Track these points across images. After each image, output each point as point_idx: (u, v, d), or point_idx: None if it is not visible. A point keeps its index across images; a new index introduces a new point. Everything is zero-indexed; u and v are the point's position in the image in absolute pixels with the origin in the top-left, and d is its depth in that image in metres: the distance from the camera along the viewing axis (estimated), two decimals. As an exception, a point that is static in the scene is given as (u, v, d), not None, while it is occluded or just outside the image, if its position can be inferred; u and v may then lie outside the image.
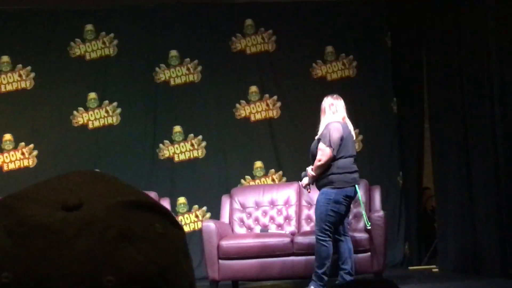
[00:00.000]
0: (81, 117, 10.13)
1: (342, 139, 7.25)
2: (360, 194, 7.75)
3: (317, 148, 7.28)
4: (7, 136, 9.91)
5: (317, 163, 7.24)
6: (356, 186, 7.38)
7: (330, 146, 7.18)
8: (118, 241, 0.73)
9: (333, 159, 7.22)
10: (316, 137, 7.43)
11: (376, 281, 2.19)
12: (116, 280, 0.71)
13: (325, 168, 7.23)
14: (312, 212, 8.56)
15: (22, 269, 0.71)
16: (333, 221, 7.25)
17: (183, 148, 10.15)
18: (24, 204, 0.75)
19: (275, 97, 10.29)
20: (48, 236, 0.72)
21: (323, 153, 7.20)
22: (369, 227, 7.83)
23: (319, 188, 7.35)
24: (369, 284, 2.03)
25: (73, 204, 0.75)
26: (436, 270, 9.19)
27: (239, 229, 8.70)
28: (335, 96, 7.52)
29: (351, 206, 7.58)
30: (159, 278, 0.73)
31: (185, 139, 10.16)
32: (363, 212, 7.92)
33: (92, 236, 0.72)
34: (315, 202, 7.95)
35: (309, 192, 7.61)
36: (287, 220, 8.73)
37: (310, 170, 7.35)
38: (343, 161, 7.26)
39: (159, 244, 0.75)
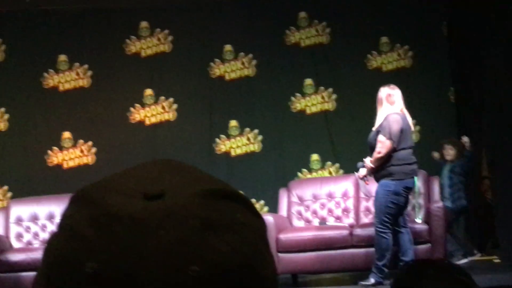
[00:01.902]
0: (138, 114, 10.23)
1: (401, 131, 7.19)
2: (419, 185, 7.68)
3: (375, 139, 7.22)
4: (66, 134, 10.05)
5: (376, 155, 7.18)
6: (415, 177, 7.33)
7: (390, 138, 7.12)
8: (201, 230, 0.72)
9: (392, 151, 7.17)
10: (374, 129, 7.36)
11: (432, 261, 2.18)
12: (201, 270, 0.71)
13: (384, 160, 7.18)
14: (370, 204, 8.51)
15: (106, 259, 0.71)
16: (393, 212, 7.20)
17: (239, 143, 10.17)
18: (105, 193, 0.75)
19: (330, 90, 10.25)
20: (131, 225, 0.72)
21: (383, 145, 7.15)
22: (418, 221, 7.80)
23: (377, 179, 7.30)
24: (432, 264, 2.03)
25: (155, 193, 0.74)
26: (498, 260, 9.07)
27: (297, 222, 8.69)
28: (391, 86, 7.46)
29: (410, 197, 7.53)
30: (243, 268, 0.73)
31: (241, 133, 10.19)
32: (420, 205, 7.87)
33: (175, 225, 0.72)
34: (373, 194, 7.91)
35: (367, 184, 7.56)
36: (345, 213, 8.69)
37: (368, 162, 7.30)
38: (402, 153, 7.20)
39: (242, 234, 0.74)
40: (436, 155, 9.49)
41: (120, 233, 0.72)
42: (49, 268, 0.73)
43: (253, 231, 0.76)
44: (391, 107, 7.29)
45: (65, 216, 0.76)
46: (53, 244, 0.75)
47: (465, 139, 9.13)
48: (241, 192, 0.79)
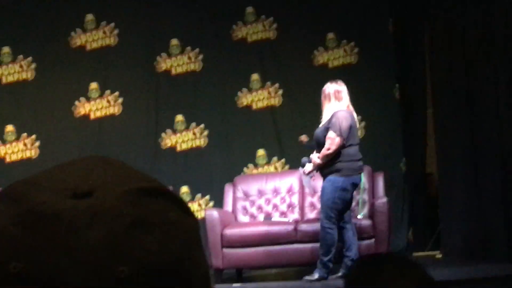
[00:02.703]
0: (82, 108, 10.12)
1: (350, 127, 7.24)
2: (364, 181, 7.75)
3: (324, 136, 7.25)
4: (9, 127, 9.90)
5: (325, 151, 7.21)
6: (362, 174, 7.41)
7: (340, 135, 7.17)
8: (130, 229, 0.71)
9: (341, 148, 7.22)
10: (321, 124, 7.40)
11: (387, 255, 2.16)
12: (129, 270, 0.69)
13: (332, 156, 7.23)
14: (315, 200, 8.56)
15: (31, 259, 0.69)
16: (339, 208, 7.25)
17: (185, 137, 10.13)
18: (33, 191, 0.73)
19: (276, 85, 10.26)
20: (58, 224, 0.70)
21: (333, 142, 7.19)
22: (360, 217, 7.90)
23: (324, 175, 7.34)
24: (389, 259, 2.01)
25: (83, 191, 0.72)
26: (440, 256, 9.19)
27: (242, 218, 8.70)
28: (339, 82, 7.50)
29: (354, 193, 7.59)
30: (173, 268, 0.72)
31: (187, 128, 10.15)
32: (364, 201, 7.96)
33: (104, 224, 0.70)
34: (318, 190, 7.96)
35: (314, 180, 7.60)
36: (290, 208, 8.72)
37: (315, 158, 7.33)
38: (350, 150, 7.26)
39: (173, 233, 0.73)
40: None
41: (47, 232, 0.69)
42: None
43: (184, 230, 0.75)
44: (339, 103, 7.34)
45: None
46: None
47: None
48: (173, 192, 0.78)
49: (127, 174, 0.76)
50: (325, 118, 7.39)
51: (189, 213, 0.78)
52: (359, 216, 7.98)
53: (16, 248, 0.70)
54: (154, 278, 0.70)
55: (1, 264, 0.69)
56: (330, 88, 7.43)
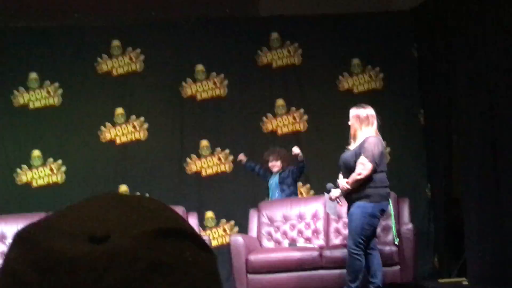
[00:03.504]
0: (108, 133, 10.17)
1: (381, 154, 7.21)
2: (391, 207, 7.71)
3: (354, 160, 7.19)
4: (36, 152, 9.97)
5: (356, 176, 7.16)
6: (390, 200, 7.37)
7: (372, 161, 7.12)
8: (147, 273, 0.71)
9: (372, 174, 7.17)
10: (351, 148, 7.33)
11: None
12: None
13: (361, 182, 7.17)
14: (340, 226, 8.52)
15: None
16: (368, 234, 7.20)
17: (210, 162, 10.15)
18: (49, 235, 0.73)
19: (301, 110, 10.27)
20: (76, 271, 0.70)
21: (365, 167, 7.13)
22: (397, 243, 7.81)
23: (351, 201, 7.28)
24: None
25: (100, 235, 0.72)
26: (466, 283, 9.10)
27: (267, 243, 8.68)
28: (368, 107, 7.44)
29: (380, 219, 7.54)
30: None
31: (212, 153, 10.17)
32: (393, 227, 7.89)
33: (121, 269, 0.70)
34: (343, 216, 7.93)
35: (341, 205, 7.54)
36: (315, 234, 8.69)
37: (344, 183, 7.27)
38: (379, 176, 7.22)
39: (189, 274, 0.73)
40: (241, 156, 9.48)
41: (64, 278, 0.70)
42: None
43: (201, 269, 0.75)
44: (370, 128, 7.29)
45: (8, 259, 0.74)
46: None
47: (296, 150, 8.87)
48: (190, 227, 0.78)
49: (144, 213, 0.76)
50: (356, 142, 7.31)
51: (206, 249, 0.77)
52: (395, 242, 7.89)
53: None
54: None
55: None
56: (362, 112, 7.34)
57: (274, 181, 9.19)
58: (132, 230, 0.73)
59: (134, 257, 0.71)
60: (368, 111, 7.37)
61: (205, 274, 0.75)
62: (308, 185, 10.16)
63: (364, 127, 7.29)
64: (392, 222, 7.93)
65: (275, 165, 9.16)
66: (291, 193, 9.16)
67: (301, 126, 10.28)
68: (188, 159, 10.11)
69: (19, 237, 0.75)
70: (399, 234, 7.91)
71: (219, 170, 10.15)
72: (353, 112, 7.40)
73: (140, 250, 0.72)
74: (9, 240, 8.59)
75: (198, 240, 0.77)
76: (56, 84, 10.18)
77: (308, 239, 8.66)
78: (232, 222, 9.97)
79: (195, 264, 0.75)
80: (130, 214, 0.76)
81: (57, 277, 0.70)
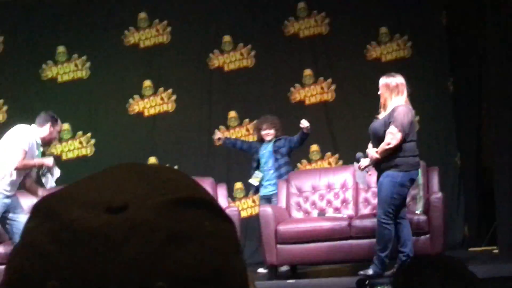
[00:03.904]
0: (136, 105, 10.22)
1: (411, 123, 7.17)
2: (419, 176, 7.67)
3: (383, 130, 7.14)
4: (65, 126, 10.02)
5: (385, 146, 7.11)
6: (419, 169, 7.33)
7: (402, 130, 7.07)
8: (167, 244, 0.70)
9: (401, 143, 7.13)
10: (380, 117, 7.28)
11: (440, 259, 2.14)
12: (168, 285, 0.69)
13: (391, 151, 7.14)
14: (369, 195, 8.51)
15: (68, 277, 0.69)
16: (397, 204, 7.17)
17: (238, 134, 10.16)
18: (67, 206, 0.73)
19: (329, 80, 10.23)
20: (94, 241, 0.70)
21: (394, 137, 7.08)
22: (418, 212, 7.80)
23: (381, 171, 7.24)
24: (435, 261, 2.00)
25: (118, 206, 0.72)
26: (497, 251, 9.06)
27: (296, 214, 8.69)
28: (398, 75, 7.37)
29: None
30: (211, 279, 0.72)
31: (240, 124, 10.18)
32: (421, 196, 7.86)
33: (140, 240, 0.70)
34: (372, 185, 7.91)
35: (370, 174, 7.51)
36: (344, 204, 8.68)
37: (373, 152, 7.23)
38: (409, 145, 7.17)
39: (209, 243, 0.73)
40: (219, 135, 9.38)
41: (83, 249, 0.69)
42: (11, 286, 0.72)
43: (221, 239, 0.74)
44: (400, 97, 7.24)
45: (27, 230, 0.74)
46: (14, 261, 0.73)
47: (305, 123, 8.51)
48: (208, 196, 0.77)
49: (162, 184, 0.76)
50: (386, 111, 7.26)
51: (226, 218, 0.77)
52: (417, 212, 7.88)
53: (53, 266, 0.70)
54: None
55: (39, 283, 0.70)
56: (393, 81, 7.28)
57: (267, 150, 8.92)
58: (150, 200, 0.73)
59: (152, 228, 0.71)
60: (398, 80, 7.31)
61: (225, 243, 0.75)
62: (337, 155, 10.14)
63: (394, 96, 7.23)
64: (419, 192, 7.90)
65: (269, 133, 8.88)
66: (286, 163, 8.90)
67: (329, 96, 10.24)
68: (216, 131, 10.12)
69: (37, 208, 0.75)
70: (428, 203, 7.87)
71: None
72: (383, 81, 7.34)
73: (159, 220, 0.71)
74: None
75: (217, 209, 0.77)
76: (84, 57, 10.23)
77: (337, 209, 8.65)
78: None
79: (214, 233, 0.74)
80: (148, 184, 0.75)
81: (75, 247, 0.70)
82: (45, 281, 0.69)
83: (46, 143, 7.65)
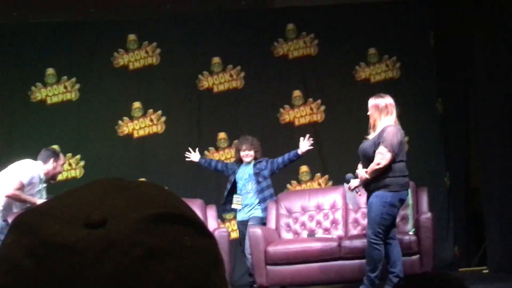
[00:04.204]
0: (126, 127, 10.20)
1: (400, 143, 7.18)
2: (410, 197, 7.68)
3: (373, 150, 7.16)
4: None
5: (375, 166, 7.12)
6: (409, 189, 7.34)
7: (391, 150, 7.08)
8: (145, 259, 0.69)
9: (391, 163, 7.14)
10: (370, 137, 7.30)
11: (436, 276, 2.12)
12: None
13: (380, 171, 7.14)
14: (359, 216, 8.50)
15: None
16: (387, 224, 7.17)
17: (228, 155, 10.15)
18: (45, 221, 0.72)
19: (319, 101, 10.25)
20: (72, 256, 0.69)
21: (384, 157, 7.09)
22: (411, 233, 7.79)
23: (371, 191, 7.25)
24: (431, 279, 1.98)
25: (97, 221, 0.71)
26: (487, 271, 9.06)
27: (286, 235, 8.67)
28: (387, 96, 7.40)
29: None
30: None
31: (229, 146, 10.17)
32: (410, 217, 7.87)
33: (117, 255, 0.69)
34: (362, 206, 7.91)
35: (360, 195, 7.52)
36: (334, 224, 8.67)
37: (363, 173, 7.24)
38: (398, 165, 7.18)
39: (188, 259, 0.72)
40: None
41: (60, 265, 0.68)
42: None
43: (201, 255, 0.73)
44: (390, 117, 7.26)
45: (4, 245, 0.73)
46: None
47: (305, 146, 8.37)
48: (189, 212, 0.77)
49: (141, 198, 0.75)
50: (375, 131, 7.27)
51: (206, 234, 0.76)
52: (410, 232, 7.88)
53: (28, 281, 0.69)
54: None
55: None
56: (383, 101, 7.31)
57: (246, 172, 8.60)
58: (130, 215, 0.72)
59: (131, 243, 0.70)
60: (387, 100, 7.33)
61: (205, 259, 0.74)
62: (326, 176, 10.14)
63: (384, 117, 7.25)
64: (409, 212, 7.90)
65: (248, 154, 8.57)
66: (268, 186, 8.58)
67: (318, 117, 10.25)
68: (206, 152, 10.11)
69: (15, 223, 0.74)
70: (418, 223, 7.87)
71: (237, 162, 10.14)
72: (372, 101, 7.36)
73: (138, 236, 0.70)
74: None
75: (197, 225, 0.76)
76: (73, 79, 10.22)
77: (327, 230, 8.64)
78: (251, 214, 9.95)
79: (194, 249, 0.73)
80: (128, 199, 0.74)
81: (52, 262, 0.69)
82: None
83: (51, 178, 8.05)
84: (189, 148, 8.99)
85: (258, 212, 8.51)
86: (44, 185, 7.83)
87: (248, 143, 8.62)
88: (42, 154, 7.94)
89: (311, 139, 8.48)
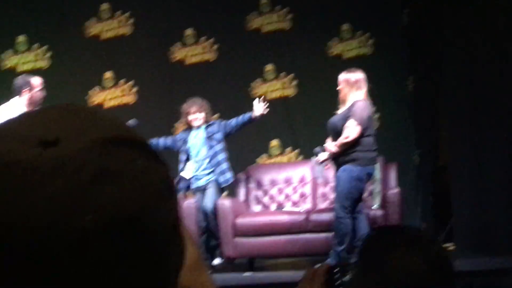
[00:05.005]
0: (97, 97, 10.15)
1: (369, 117, 7.22)
2: (377, 171, 7.73)
3: (342, 124, 7.20)
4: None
5: (343, 140, 7.17)
6: (377, 164, 7.40)
7: (360, 124, 7.13)
8: (96, 179, 0.70)
9: (359, 137, 7.18)
10: (339, 112, 7.34)
11: (403, 229, 2.11)
12: (95, 219, 0.69)
13: (349, 145, 7.19)
14: (327, 190, 8.55)
15: None
16: (355, 198, 7.23)
17: (198, 127, 10.12)
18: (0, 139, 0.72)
19: (291, 76, 10.25)
20: (23, 173, 0.69)
21: (352, 130, 7.14)
22: (374, 208, 7.86)
23: (339, 165, 7.30)
24: (401, 234, 1.98)
25: (49, 140, 0.72)
26: (453, 248, 9.15)
27: (255, 207, 8.70)
28: (358, 71, 7.45)
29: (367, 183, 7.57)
30: (140, 216, 0.71)
31: (200, 118, 10.13)
32: (378, 191, 7.92)
33: (69, 174, 0.70)
34: (330, 180, 7.95)
35: (327, 168, 7.56)
36: (302, 198, 8.71)
37: (332, 146, 7.28)
38: (367, 139, 7.23)
39: (140, 181, 0.72)
40: None
41: (11, 181, 0.69)
42: None
43: (153, 178, 0.74)
44: (360, 92, 7.31)
45: None
46: None
47: (259, 109, 8.13)
48: (143, 138, 0.77)
49: (96, 122, 0.76)
50: (345, 106, 7.32)
51: (159, 161, 0.77)
52: (373, 207, 7.95)
53: None
54: (121, 226, 0.70)
55: None
56: (352, 76, 7.37)
57: (198, 137, 8.29)
58: (83, 136, 0.73)
59: (82, 163, 0.70)
60: (358, 75, 7.39)
61: (157, 183, 0.75)
62: (297, 150, 10.16)
63: (354, 91, 7.31)
64: (376, 186, 7.96)
65: (198, 118, 8.29)
66: (221, 150, 8.30)
67: (290, 92, 10.26)
68: (176, 124, 10.09)
69: None
70: (385, 198, 7.93)
71: (207, 135, 10.13)
72: (343, 76, 7.42)
73: (89, 156, 0.71)
74: None
75: (150, 150, 0.77)
76: (45, 47, 10.13)
77: (295, 203, 8.68)
78: (221, 186, 9.96)
79: (146, 171, 0.74)
80: (83, 121, 0.75)
81: (4, 179, 0.69)
82: None
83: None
84: None
85: (214, 178, 8.21)
86: None
87: (197, 105, 8.30)
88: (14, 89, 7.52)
89: (266, 102, 8.27)
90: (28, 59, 10.11)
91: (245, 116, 8.27)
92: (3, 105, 7.44)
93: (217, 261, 8.24)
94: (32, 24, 10.05)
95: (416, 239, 1.91)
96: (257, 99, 8.27)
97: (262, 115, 8.23)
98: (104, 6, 10.20)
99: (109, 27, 10.22)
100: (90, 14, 10.18)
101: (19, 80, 7.65)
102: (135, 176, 0.73)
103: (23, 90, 7.55)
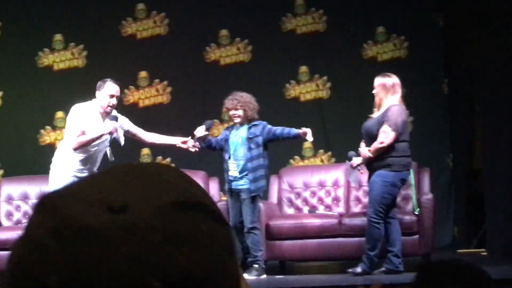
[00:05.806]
0: (132, 96, 10.22)
1: (404, 123, 7.21)
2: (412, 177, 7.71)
3: (377, 129, 7.18)
4: (59, 114, 10.03)
5: (378, 145, 7.15)
6: (411, 170, 7.37)
7: (395, 130, 7.11)
8: (163, 245, 0.73)
9: (394, 142, 7.16)
10: (374, 116, 7.32)
11: (455, 264, 2.11)
12: (163, 285, 0.71)
13: (383, 150, 7.17)
14: (360, 194, 8.54)
15: (68, 273, 0.71)
16: (388, 203, 7.22)
17: (232, 128, 10.15)
18: (69, 203, 0.75)
19: (325, 78, 10.25)
20: (94, 239, 0.72)
21: (387, 136, 7.13)
22: (417, 213, 7.81)
23: (373, 170, 7.28)
24: (451, 269, 1.98)
25: (119, 206, 0.74)
26: (485, 253, 9.10)
27: (287, 210, 8.71)
28: (393, 76, 7.42)
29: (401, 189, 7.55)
30: (204, 280, 0.74)
31: (234, 119, 10.16)
32: (414, 197, 7.88)
33: (137, 240, 0.72)
34: (363, 184, 7.94)
35: (362, 173, 7.54)
36: (335, 201, 8.71)
37: (366, 151, 7.27)
38: (402, 145, 7.22)
39: (204, 246, 0.75)
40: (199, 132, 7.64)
41: (83, 247, 0.72)
42: (12, 278, 0.74)
43: (216, 242, 0.77)
44: (395, 97, 7.28)
45: (30, 225, 0.76)
46: (16, 254, 0.75)
47: (309, 136, 7.61)
48: (207, 199, 0.79)
49: (162, 186, 0.78)
50: (380, 110, 7.30)
51: (222, 221, 0.79)
52: (415, 212, 7.89)
53: (52, 261, 0.72)
54: None
55: (39, 277, 0.72)
56: (389, 80, 7.34)
57: (239, 136, 7.63)
58: (151, 201, 0.75)
59: (150, 229, 0.73)
60: (394, 80, 7.37)
61: (220, 247, 0.77)
62: (329, 153, 10.16)
63: (389, 96, 7.28)
64: (412, 192, 7.93)
65: (235, 114, 7.59)
66: (259, 156, 7.56)
67: (324, 94, 10.26)
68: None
69: (40, 203, 0.77)
70: (419, 204, 7.91)
71: (241, 136, 10.16)
72: (379, 80, 7.39)
73: (157, 222, 0.74)
74: (32, 200, 8.68)
75: (214, 212, 0.79)
76: (81, 46, 10.21)
77: (328, 207, 8.68)
78: (253, 187, 9.98)
79: (210, 236, 0.76)
80: (149, 185, 0.77)
81: (75, 245, 0.72)
82: (46, 276, 0.72)
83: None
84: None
85: (247, 186, 7.61)
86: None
87: (233, 101, 7.59)
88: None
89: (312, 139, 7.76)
90: (64, 57, 10.19)
91: (292, 131, 7.67)
92: (80, 104, 7.43)
93: (254, 274, 7.65)
94: (68, 23, 10.13)
95: (466, 274, 1.92)
96: (309, 133, 7.60)
97: (304, 139, 7.72)
98: (140, 6, 10.26)
99: (145, 27, 10.28)
100: (126, 14, 10.24)
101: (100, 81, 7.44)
102: (199, 241, 0.75)
103: (96, 91, 7.49)
